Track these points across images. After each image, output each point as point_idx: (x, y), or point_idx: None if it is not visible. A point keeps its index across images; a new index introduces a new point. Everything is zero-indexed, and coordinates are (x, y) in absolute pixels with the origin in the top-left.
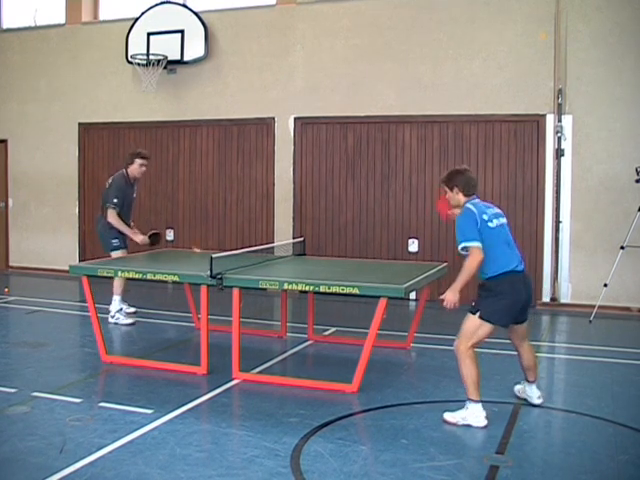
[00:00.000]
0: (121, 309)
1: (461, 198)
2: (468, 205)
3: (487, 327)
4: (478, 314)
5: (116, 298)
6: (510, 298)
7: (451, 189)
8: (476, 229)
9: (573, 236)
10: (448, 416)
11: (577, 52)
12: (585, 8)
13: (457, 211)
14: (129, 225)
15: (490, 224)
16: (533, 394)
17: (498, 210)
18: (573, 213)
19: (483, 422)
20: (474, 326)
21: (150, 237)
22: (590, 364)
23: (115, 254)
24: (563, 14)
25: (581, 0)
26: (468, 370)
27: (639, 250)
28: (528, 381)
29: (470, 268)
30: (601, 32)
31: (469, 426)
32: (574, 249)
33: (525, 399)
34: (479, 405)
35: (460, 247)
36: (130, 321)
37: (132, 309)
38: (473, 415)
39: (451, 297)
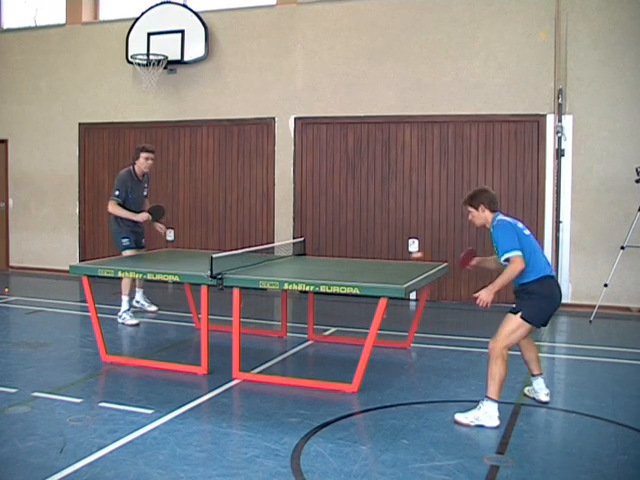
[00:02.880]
0: (128, 309)
1: (488, 215)
2: (500, 217)
3: (526, 328)
4: (519, 314)
5: (124, 298)
6: (550, 301)
7: (476, 208)
8: (516, 238)
9: (573, 236)
10: (460, 417)
11: (577, 52)
12: (585, 8)
13: (478, 222)
14: (141, 225)
15: (525, 232)
16: (541, 389)
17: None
18: (573, 213)
19: (496, 422)
20: (514, 326)
21: (150, 212)
22: (590, 364)
23: (126, 253)
24: (563, 14)
25: (581, 0)
26: (498, 370)
27: (639, 250)
28: (533, 375)
29: (512, 274)
30: (601, 32)
31: (482, 427)
32: (574, 249)
33: (533, 397)
34: (496, 405)
35: (503, 258)
36: (135, 322)
37: (153, 307)
38: (487, 415)
39: (485, 297)
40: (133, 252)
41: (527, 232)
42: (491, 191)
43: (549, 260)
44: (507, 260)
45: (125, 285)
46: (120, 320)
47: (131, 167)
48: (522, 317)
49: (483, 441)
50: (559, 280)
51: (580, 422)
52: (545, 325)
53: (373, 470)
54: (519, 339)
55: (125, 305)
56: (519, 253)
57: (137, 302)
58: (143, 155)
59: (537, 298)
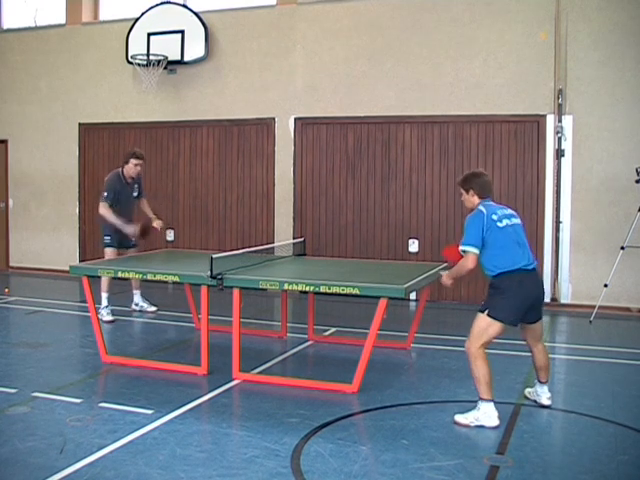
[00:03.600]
0: (107, 305)
1: (475, 200)
2: (480, 207)
3: (496, 326)
4: (486, 312)
5: (103, 295)
6: (517, 295)
7: (467, 191)
8: (480, 233)
9: (573, 236)
10: (460, 418)
11: (577, 52)
12: (585, 8)
13: (467, 204)
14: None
15: (499, 224)
16: (543, 394)
17: (511, 212)
18: (573, 213)
19: (496, 421)
20: (483, 325)
21: (141, 228)
22: (590, 364)
23: (106, 251)
24: (563, 14)
25: (581, 0)
26: (480, 370)
27: (639, 250)
28: (540, 381)
29: (461, 269)
30: (601, 32)
31: (482, 427)
32: (574, 249)
33: (535, 400)
34: (491, 404)
35: (460, 249)
36: (111, 318)
37: (153, 308)
38: (486, 415)
39: (445, 280)
40: (114, 251)
41: (506, 223)
42: (484, 176)
43: (532, 255)
44: (464, 252)
45: (104, 282)
46: (98, 316)
47: (120, 170)
48: (488, 314)
49: (483, 441)
50: (559, 280)
51: (580, 422)
52: (529, 322)
53: (373, 470)
54: (493, 337)
55: (104, 301)
56: (474, 251)
57: (136, 304)
58: (132, 161)
59: (502, 293)
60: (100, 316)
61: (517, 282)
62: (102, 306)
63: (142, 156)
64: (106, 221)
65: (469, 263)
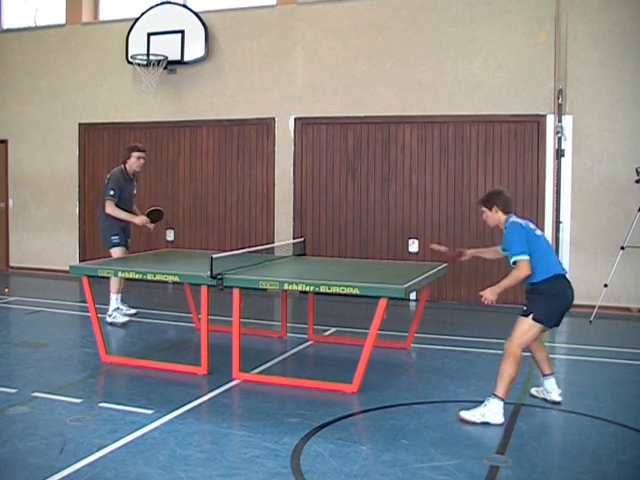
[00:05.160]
0: (118, 308)
1: (501, 216)
2: (513, 219)
3: (537, 328)
4: (531, 316)
5: (113, 297)
6: (561, 300)
7: (490, 209)
8: (525, 242)
9: (573, 236)
10: (466, 414)
11: (577, 52)
12: (585, 8)
13: (491, 222)
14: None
15: (537, 232)
16: (553, 389)
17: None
18: (573, 213)
19: (501, 419)
20: (526, 328)
21: (149, 215)
22: (590, 364)
23: (114, 251)
24: (563, 14)
25: (581, 0)
26: (509, 368)
27: (639, 250)
28: (545, 375)
29: (516, 278)
30: (601, 32)
31: (485, 424)
32: (574, 249)
33: (544, 398)
34: (501, 403)
35: (512, 261)
36: (125, 319)
37: (132, 311)
38: (492, 412)
39: (489, 295)
40: (122, 250)
41: (539, 232)
42: (506, 193)
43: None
44: (514, 263)
45: (114, 283)
46: (110, 319)
47: (122, 166)
48: (533, 318)
49: (483, 441)
50: None
51: (580, 422)
52: (557, 325)
53: (373, 470)
54: (532, 339)
55: (114, 303)
56: (526, 258)
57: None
58: (135, 155)
59: (546, 297)
60: (112, 319)
61: (560, 287)
62: (112, 308)
63: (144, 148)
64: (110, 220)
65: (524, 270)
